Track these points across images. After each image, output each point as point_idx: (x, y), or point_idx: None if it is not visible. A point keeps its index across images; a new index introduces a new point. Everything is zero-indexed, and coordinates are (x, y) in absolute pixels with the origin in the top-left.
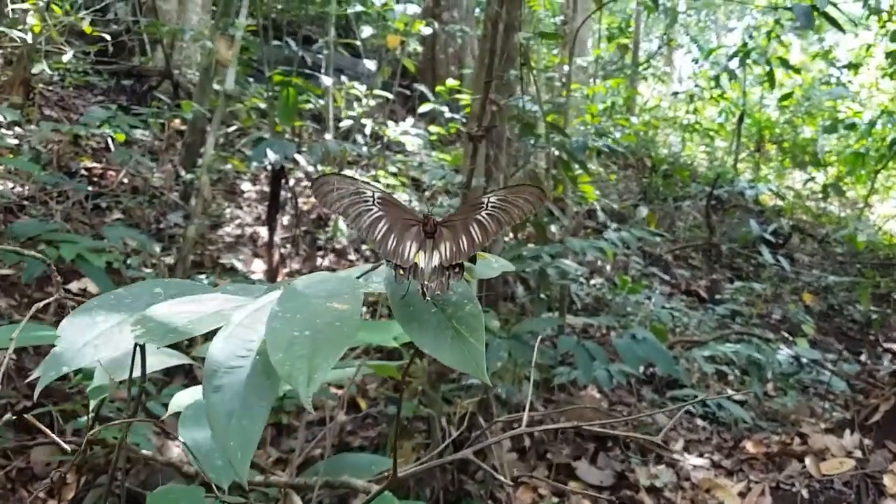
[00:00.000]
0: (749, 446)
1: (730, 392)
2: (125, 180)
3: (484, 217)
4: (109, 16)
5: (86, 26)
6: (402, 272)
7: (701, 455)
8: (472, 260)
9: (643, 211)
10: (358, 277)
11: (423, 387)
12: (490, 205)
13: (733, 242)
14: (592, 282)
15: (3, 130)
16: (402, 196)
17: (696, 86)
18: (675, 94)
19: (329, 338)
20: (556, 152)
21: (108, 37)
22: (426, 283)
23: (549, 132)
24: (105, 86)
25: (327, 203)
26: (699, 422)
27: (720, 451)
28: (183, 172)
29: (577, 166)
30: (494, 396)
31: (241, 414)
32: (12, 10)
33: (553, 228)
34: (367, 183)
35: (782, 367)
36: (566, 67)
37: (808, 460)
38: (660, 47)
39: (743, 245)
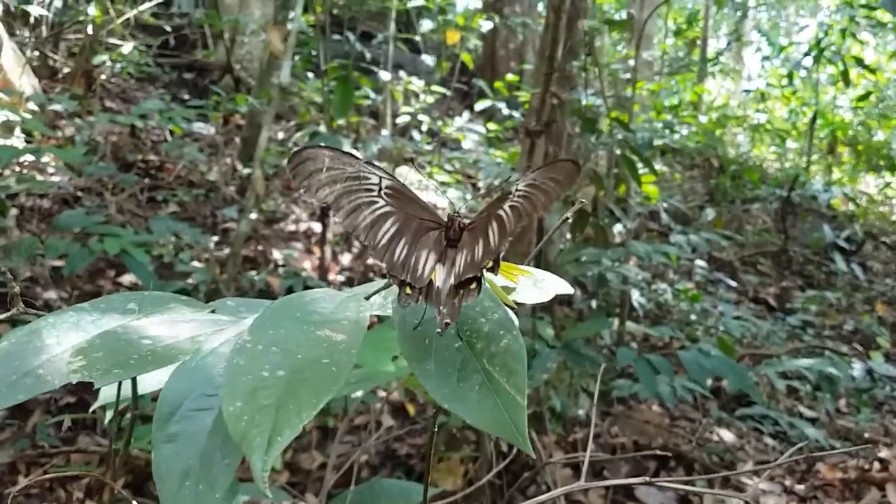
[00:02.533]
0: (824, 471)
1: (801, 409)
2: (182, 174)
3: (505, 210)
4: (173, 9)
5: (147, 18)
6: (410, 293)
7: (772, 479)
8: (493, 269)
9: (710, 213)
10: (369, 297)
11: None
12: (517, 193)
13: (805, 248)
14: (654, 287)
15: (64, 121)
16: (454, 194)
17: (768, 84)
18: (746, 92)
19: (309, 381)
20: (620, 150)
21: (168, 29)
22: (442, 308)
23: (613, 128)
24: (167, 79)
25: (311, 187)
26: (769, 441)
27: (792, 475)
28: (240, 167)
29: (641, 165)
30: (548, 409)
31: (199, 475)
32: (75, 1)
33: (618, 228)
34: (372, 164)
35: (855, 382)
36: (631, 62)
37: (889, 489)
38: (729, 44)
39: (815, 251)
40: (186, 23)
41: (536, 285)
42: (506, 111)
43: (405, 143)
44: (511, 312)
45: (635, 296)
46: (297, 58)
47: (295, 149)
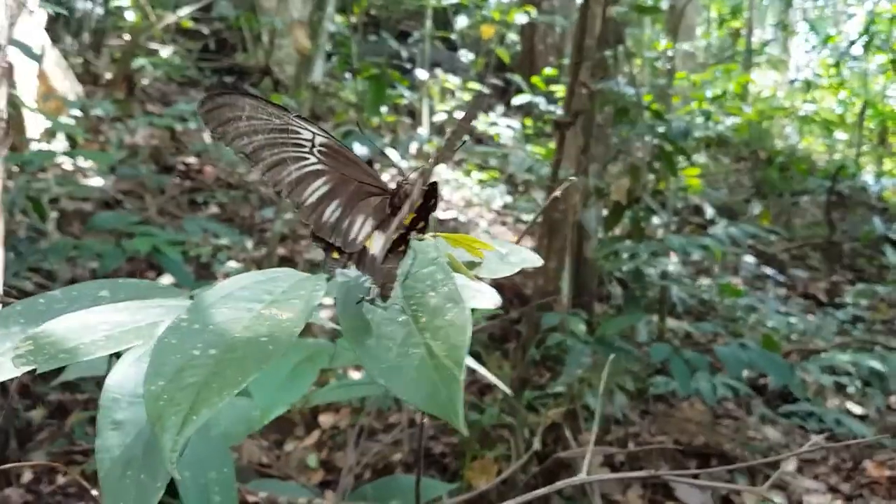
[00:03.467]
0: (870, 468)
1: (850, 406)
2: (221, 175)
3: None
4: (213, 13)
5: (185, 21)
6: (337, 257)
7: (816, 477)
8: (421, 230)
9: (756, 207)
10: (330, 278)
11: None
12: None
13: (855, 241)
14: (697, 283)
15: (105, 125)
16: (491, 192)
17: (815, 74)
18: (792, 81)
19: (240, 359)
20: (657, 141)
21: (206, 32)
22: (377, 277)
23: (649, 118)
24: (208, 83)
25: (227, 135)
26: (814, 438)
27: (838, 472)
28: None
29: (679, 156)
30: (583, 407)
31: (141, 465)
32: (115, 7)
33: (657, 222)
34: (305, 119)
35: None
36: (670, 52)
37: None
38: (775, 34)
39: (865, 244)
40: (225, 26)
41: (503, 259)
42: (543, 106)
43: (440, 141)
44: (460, 284)
45: (675, 291)
46: (334, 58)
47: (208, 93)
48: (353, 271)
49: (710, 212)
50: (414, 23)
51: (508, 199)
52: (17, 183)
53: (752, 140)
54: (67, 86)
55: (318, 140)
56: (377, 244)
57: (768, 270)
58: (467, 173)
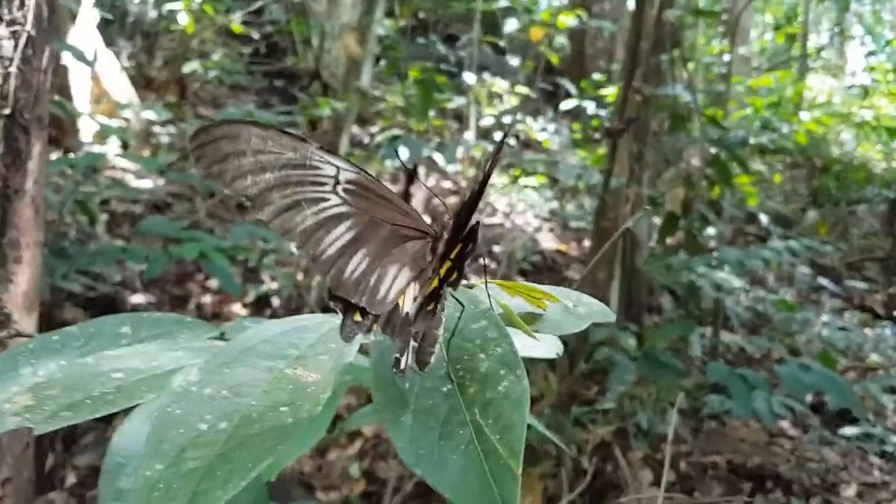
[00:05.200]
0: None
1: None
2: None
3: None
4: (264, 17)
5: (235, 25)
6: (359, 320)
7: (878, 503)
8: (454, 283)
9: (812, 216)
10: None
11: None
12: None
13: None
14: (752, 294)
15: (158, 128)
16: (534, 198)
17: (872, 80)
18: (850, 87)
19: (254, 437)
20: (713, 149)
21: (256, 36)
22: (409, 339)
23: (704, 125)
24: (258, 86)
25: (224, 175)
26: (875, 460)
27: None
28: None
29: (735, 165)
30: (634, 425)
31: None
32: (168, 10)
33: (711, 232)
34: (328, 152)
35: None
36: (727, 57)
37: None
38: (831, 38)
39: None
40: (276, 30)
41: (569, 311)
42: (592, 110)
43: (486, 145)
44: (516, 347)
45: (730, 304)
46: (382, 62)
47: (202, 123)
48: (380, 336)
49: (764, 221)
50: (462, 26)
51: (555, 205)
52: (67, 185)
53: (807, 147)
54: (121, 89)
55: (344, 176)
56: (409, 299)
57: (824, 281)
58: (514, 179)
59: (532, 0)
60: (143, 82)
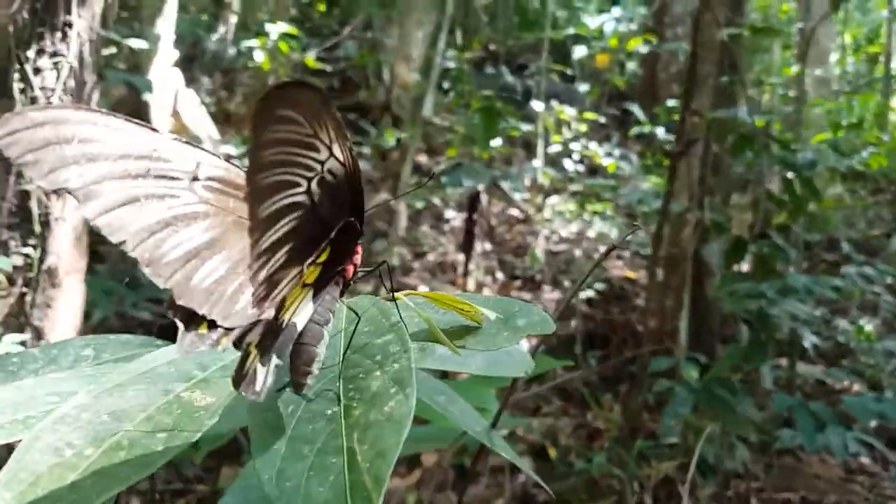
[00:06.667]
0: None
1: None
2: None
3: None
4: (339, 52)
5: (309, 60)
6: (202, 333)
7: None
8: (327, 292)
9: None
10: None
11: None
12: None
13: None
14: (833, 324)
15: (236, 162)
16: (601, 225)
17: None
18: None
19: (114, 466)
20: (787, 173)
21: (330, 70)
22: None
23: (770, 148)
24: None
25: (41, 164)
26: None
27: None
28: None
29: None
30: (701, 460)
31: None
32: (246, 47)
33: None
34: (190, 144)
35: None
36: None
37: None
38: None
39: None
40: (349, 65)
41: (506, 324)
42: (662, 135)
43: (555, 173)
44: (413, 362)
45: (808, 334)
46: (451, 94)
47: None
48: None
49: (845, 248)
50: (532, 55)
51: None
52: None
53: (890, 171)
54: (200, 124)
55: (206, 172)
56: (294, 309)
57: None
58: (581, 205)
59: (598, 28)
60: (222, 117)
